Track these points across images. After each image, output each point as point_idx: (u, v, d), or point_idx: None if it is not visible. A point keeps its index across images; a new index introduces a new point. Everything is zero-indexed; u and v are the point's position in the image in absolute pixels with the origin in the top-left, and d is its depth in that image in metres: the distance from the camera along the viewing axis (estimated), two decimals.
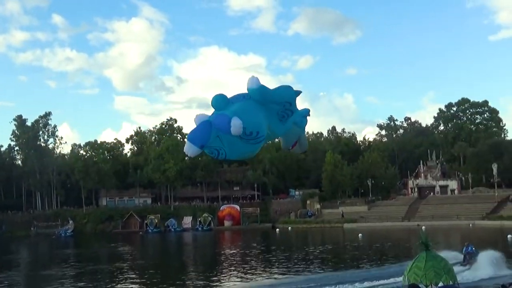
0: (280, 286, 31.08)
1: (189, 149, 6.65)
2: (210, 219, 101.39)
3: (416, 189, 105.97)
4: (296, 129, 7.96)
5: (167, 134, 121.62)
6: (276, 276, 35.86)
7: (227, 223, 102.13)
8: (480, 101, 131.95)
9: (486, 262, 34.47)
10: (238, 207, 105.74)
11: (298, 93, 7.98)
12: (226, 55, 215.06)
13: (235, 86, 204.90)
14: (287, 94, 7.76)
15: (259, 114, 7.04)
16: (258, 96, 7.25)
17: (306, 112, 8.38)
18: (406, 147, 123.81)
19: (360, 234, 67.42)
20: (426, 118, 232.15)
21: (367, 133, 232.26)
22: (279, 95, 7.57)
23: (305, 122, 8.27)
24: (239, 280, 34.52)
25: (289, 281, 32.39)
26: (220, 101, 6.99)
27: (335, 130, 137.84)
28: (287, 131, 7.83)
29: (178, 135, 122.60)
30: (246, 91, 7.33)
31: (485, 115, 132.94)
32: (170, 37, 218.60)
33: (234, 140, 6.71)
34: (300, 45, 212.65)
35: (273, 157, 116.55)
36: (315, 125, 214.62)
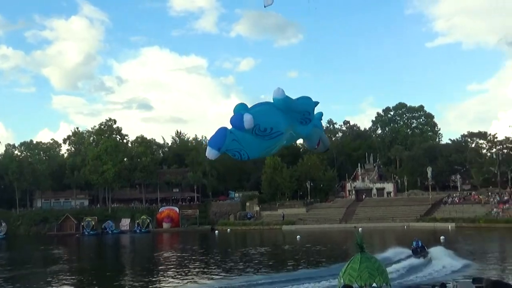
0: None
1: (209, 152, 7.36)
2: (148, 221, 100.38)
3: (353, 192, 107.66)
4: (317, 130, 8.69)
5: (106, 135, 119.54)
6: (213, 277, 35.78)
7: (165, 225, 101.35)
8: (417, 106, 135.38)
9: (441, 253, 37.13)
10: (177, 209, 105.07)
11: (316, 103, 8.63)
12: (167, 56, 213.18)
13: (176, 87, 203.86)
14: (308, 105, 8.46)
15: (275, 114, 7.62)
16: (282, 105, 7.78)
17: (320, 115, 9.22)
18: (344, 150, 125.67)
19: (298, 236, 68.07)
20: (364, 122, 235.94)
21: None
22: (301, 105, 8.22)
23: (321, 124, 9.09)
24: (176, 282, 34.29)
25: (226, 283, 32.35)
26: (240, 108, 7.48)
27: None
28: (310, 133, 8.55)
29: (117, 136, 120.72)
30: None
31: (421, 120, 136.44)
32: (111, 36, 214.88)
33: (250, 139, 7.32)
34: (242, 47, 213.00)
35: (213, 159, 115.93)
36: None
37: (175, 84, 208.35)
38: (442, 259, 37.88)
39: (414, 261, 37.83)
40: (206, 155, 7.42)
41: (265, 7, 10.12)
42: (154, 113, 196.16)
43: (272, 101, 7.91)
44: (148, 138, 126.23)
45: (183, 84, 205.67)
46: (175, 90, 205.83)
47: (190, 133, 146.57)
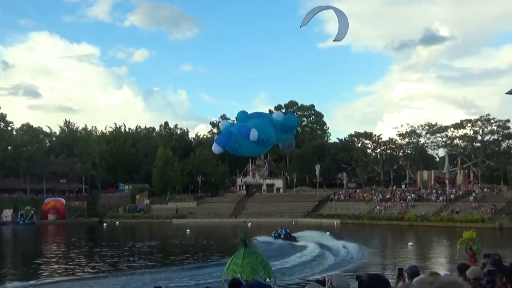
0: (98, 280, 30.59)
1: (215, 148, 9.60)
2: (32, 212, 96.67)
3: (244, 187, 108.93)
4: (291, 136, 10.89)
5: None
6: (97, 270, 35.17)
7: (51, 217, 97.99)
8: (308, 104, 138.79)
9: (312, 234, 41.62)
10: (63, 200, 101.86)
11: (299, 120, 10.99)
12: (57, 42, 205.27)
13: (66, 75, 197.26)
14: (295, 121, 11.40)
15: (270, 127, 9.82)
16: (279, 123, 10.05)
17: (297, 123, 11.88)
18: None
19: (188, 230, 68.17)
20: None
21: (200, 130, 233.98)
22: (291, 122, 10.75)
23: (294, 132, 11.36)
24: (55, 275, 33.53)
25: (103, 276, 32.09)
26: (243, 117, 9.83)
27: (168, 125, 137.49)
28: (287, 139, 10.86)
29: (1, 122, 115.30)
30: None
31: (311, 118, 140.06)
32: None
33: (249, 143, 9.43)
34: (136, 37, 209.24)
35: (103, 151, 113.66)
36: (147, 120, 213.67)
37: (65, 72, 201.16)
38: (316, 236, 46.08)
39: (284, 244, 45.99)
40: (212, 149, 9.77)
41: (300, 27, 12.30)
42: (42, 101, 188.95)
43: (266, 114, 10.79)
44: (34, 126, 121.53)
45: (73, 72, 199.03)
46: (65, 78, 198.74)
47: (79, 123, 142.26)
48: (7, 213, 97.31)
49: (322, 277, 7.23)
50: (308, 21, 11.90)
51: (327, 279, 5.62)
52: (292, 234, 52.61)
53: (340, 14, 11.46)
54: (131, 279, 31.36)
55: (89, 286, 29.26)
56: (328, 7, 11.60)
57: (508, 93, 12.54)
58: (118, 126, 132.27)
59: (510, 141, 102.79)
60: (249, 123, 9.56)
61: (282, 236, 52.59)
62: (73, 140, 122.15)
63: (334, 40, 11.55)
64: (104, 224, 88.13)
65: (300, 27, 11.94)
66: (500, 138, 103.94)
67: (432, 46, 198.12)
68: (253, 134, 9.21)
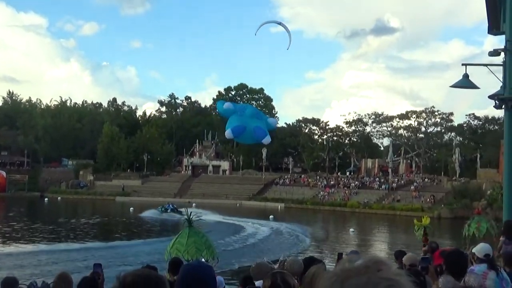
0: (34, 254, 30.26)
1: (229, 134, 11.52)
2: None
3: (190, 167, 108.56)
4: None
5: None
6: (35, 244, 34.75)
7: None
8: (257, 88, 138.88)
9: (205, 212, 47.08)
10: (4, 173, 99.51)
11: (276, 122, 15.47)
12: (2, 10, 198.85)
13: (11, 45, 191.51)
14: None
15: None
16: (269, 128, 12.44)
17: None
18: (184, 126, 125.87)
19: (131, 208, 67.73)
20: (206, 99, 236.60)
21: (148, 108, 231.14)
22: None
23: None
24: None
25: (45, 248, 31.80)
26: (227, 110, 11.75)
27: (116, 102, 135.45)
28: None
29: None
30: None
31: (260, 102, 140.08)
32: None
33: (253, 140, 11.42)
34: (86, 10, 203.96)
35: (47, 124, 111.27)
36: (94, 95, 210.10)
37: (9, 42, 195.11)
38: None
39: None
40: (226, 134, 11.64)
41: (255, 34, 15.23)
42: None
43: (260, 114, 13.40)
44: None
45: (19, 42, 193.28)
46: (10, 48, 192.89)
47: (24, 95, 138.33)
48: None
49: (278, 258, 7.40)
50: (258, 29, 14.45)
51: (281, 260, 5.72)
52: (179, 209, 56.70)
53: (286, 29, 13.91)
54: (71, 255, 31.12)
55: (21, 260, 28.88)
56: (279, 23, 14.22)
57: (453, 86, 12.86)
58: (64, 100, 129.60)
59: (452, 133, 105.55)
60: (254, 123, 11.54)
61: (169, 211, 60.65)
62: (16, 112, 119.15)
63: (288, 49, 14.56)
64: (46, 199, 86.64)
65: (255, 34, 14.90)
66: (443, 130, 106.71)
67: (382, 37, 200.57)
68: (267, 139, 11.53)
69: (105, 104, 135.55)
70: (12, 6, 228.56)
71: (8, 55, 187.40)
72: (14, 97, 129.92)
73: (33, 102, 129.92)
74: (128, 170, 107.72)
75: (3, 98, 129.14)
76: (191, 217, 9.67)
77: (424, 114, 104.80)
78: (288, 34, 13.80)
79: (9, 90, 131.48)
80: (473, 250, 7.45)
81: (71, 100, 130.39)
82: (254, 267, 6.46)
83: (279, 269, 5.28)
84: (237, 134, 11.28)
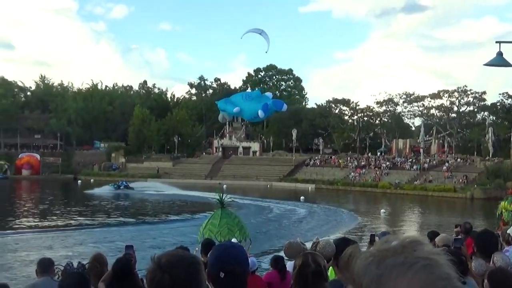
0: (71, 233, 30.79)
1: (261, 114, 12.81)
2: (6, 167, 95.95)
3: (220, 149, 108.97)
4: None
5: None
6: (71, 222, 35.38)
7: (25, 172, 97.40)
8: (286, 69, 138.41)
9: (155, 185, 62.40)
10: (38, 156, 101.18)
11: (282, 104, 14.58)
12: None
13: (42, 29, 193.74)
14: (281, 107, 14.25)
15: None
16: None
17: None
18: (214, 107, 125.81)
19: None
20: (235, 80, 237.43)
21: (177, 90, 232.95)
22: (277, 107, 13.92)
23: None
24: (31, 228, 33.62)
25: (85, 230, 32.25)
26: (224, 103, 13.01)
27: (146, 84, 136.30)
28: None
29: None
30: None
31: (290, 83, 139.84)
32: None
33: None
34: None
35: (79, 107, 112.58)
36: (124, 78, 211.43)
37: (41, 25, 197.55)
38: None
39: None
40: (259, 115, 12.57)
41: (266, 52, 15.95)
42: (16, 54, 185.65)
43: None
44: (9, 80, 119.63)
45: (49, 26, 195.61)
46: (41, 32, 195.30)
47: (55, 78, 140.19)
48: None
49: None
50: (244, 34, 15.77)
51: (314, 242, 5.73)
52: (130, 186, 69.03)
53: (266, 36, 15.18)
54: (102, 232, 31.75)
55: (62, 239, 29.49)
56: (260, 33, 15.31)
57: (486, 64, 12.62)
58: (94, 83, 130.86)
59: (485, 112, 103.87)
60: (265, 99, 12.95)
61: (122, 187, 67.93)
62: (48, 96, 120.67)
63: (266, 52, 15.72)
64: (79, 181, 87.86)
65: (241, 38, 16.25)
66: (475, 109, 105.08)
67: (413, 15, 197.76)
68: (285, 106, 13.58)
69: (135, 87, 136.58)
70: None
71: (39, 38, 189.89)
72: (46, 81, 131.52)
73: (64, 85, 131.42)
74: (160, 152, 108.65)
75: (36, 82, 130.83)
76: (223, 199, 9.72)
77: (456, 93, 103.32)
78: (267, 41, 15.08)
79: (41, 74, 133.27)
80: (508, 231, 7.37)
81: (102, 83, 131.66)
82: (287, 246, 6.49)
83: (312, 250, 5.29)
84: (264, 112, 12.44)
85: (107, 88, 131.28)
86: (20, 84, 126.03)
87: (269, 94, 13.29)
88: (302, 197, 58.63)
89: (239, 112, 12.46)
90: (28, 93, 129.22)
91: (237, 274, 2.88)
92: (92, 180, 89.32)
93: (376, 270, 1.19)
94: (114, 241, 27.95)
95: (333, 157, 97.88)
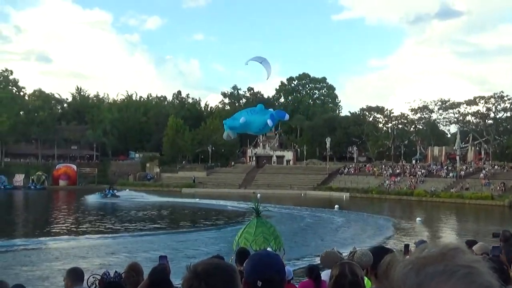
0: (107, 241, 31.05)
1: (270, 124, 13.22)
2: (44, 177, 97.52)
3: (254, 158, 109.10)
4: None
5: (1, 86, 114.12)
6: (106, 235, 35.63)
7: (62, 183, 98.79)
8: (319, 77, 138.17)
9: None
10: (74, 167, 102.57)
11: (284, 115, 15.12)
12: (69, 7, 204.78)
13: (78, 41, 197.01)
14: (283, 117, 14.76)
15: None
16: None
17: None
18: None
19: (197, 199, 68.85)
20: (268, 89, 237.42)
21: (211, 100, 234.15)
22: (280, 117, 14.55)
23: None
24: (68, 238, 34.08)
25: (120, 240, 32.52)
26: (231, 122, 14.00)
27: (180, 94, 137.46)
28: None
29: (14, 88, 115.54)
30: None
31: (323, 91, 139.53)
32: None
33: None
34: (149, 4, 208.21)
35: (114, 118, 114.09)
36: (158, 89, 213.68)
37: (77, 38, 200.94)
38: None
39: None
40: (268, 124, 13.22)
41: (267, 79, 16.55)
42: (53, 67, 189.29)
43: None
44: (46, 92, 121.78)
45: (85, 38, 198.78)
46: (77, 44, 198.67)
47: (91, 90, 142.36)
48: (19, 178, 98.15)
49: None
50: (247, 61, 15.84)
51: (352, 251, 5.67)
52: (117, 194, 74.20)
53: (267, 65, 15.53)
54: (136, 240, 32.08)
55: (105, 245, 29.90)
56: (261, 62, 15.45)
57: None
58: (129, 94, 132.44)
59: None
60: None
61: (109, 196, 71.64)
62: (84, 107, 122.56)
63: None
64: (115, 191, 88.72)
65: (246, 64, 16.08)
66: None
67: (447, 21, 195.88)
68: (287, 116, 14.27)
69: (169, 97, 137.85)
70: (78, 3, 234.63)
71: (75, 51, 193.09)
72: (82, 93, 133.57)
73: (100, 97, 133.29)
74: (193, 162, 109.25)
75: (72, 94, 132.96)
76: (258, 208, 9.72)
77: (492, 100, 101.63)
78: (267, 71, 15.59)
79: (77, 86, 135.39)
80: None
81: (136, 94, 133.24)
82: (323, 256, 6.45)
83: (349, 259, 5.24)
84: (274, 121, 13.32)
85: (142, 99, 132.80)
86: (57, 96, 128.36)
87: (270, 109, 14.04)
88: (336, 206, 58.27)
89: (245, 124, 13.15)
90: (65, 105, 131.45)
91: (275, 283, 2.87)
92: (127, 190, 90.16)
93: (416, 278, 1.16)
94: (147, 250, 28.14)
95: (367, 165, 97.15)
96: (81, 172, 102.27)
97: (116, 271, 6.40)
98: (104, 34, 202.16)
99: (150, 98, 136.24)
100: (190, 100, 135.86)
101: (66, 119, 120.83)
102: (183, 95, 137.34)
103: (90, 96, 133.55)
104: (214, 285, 2.16)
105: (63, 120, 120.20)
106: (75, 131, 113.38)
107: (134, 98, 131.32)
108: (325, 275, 6.67)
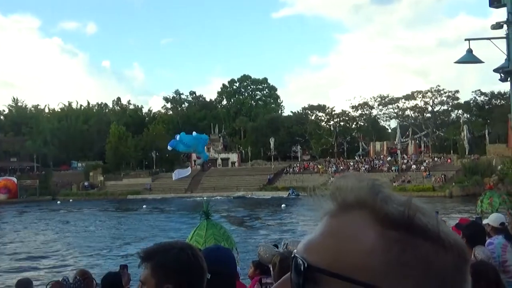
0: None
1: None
2: None
3: (199, 162, 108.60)
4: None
5: None
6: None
7: (2, 196, 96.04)
8: (261, 78, 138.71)
9: None
10: (15, 179, 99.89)
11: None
12: None
13: (6, 49, 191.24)
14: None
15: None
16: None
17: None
18: (190, 120, 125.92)
19: (144, 206, 68.28)
20: (210, 93, 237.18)
21: (153, 105, 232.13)
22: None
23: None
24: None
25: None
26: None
27: (120, 101, 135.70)
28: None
29: None
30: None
31: (265, 92, 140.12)
32: None
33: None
34: (83, 9, 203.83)
35: (55, 128, 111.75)
36: (99, 97, 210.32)
37: (3, 46, 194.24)
38: None
39: None
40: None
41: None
42: None
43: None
44: None
45: (14, 45, 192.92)
46: (4, 52, 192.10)
47: (27, 100, 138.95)
48: None
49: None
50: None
51: (283, 243, 5.81)
52: None
53: None
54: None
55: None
56: None
57: (457, 62, 12.88)
58: (69, 102, 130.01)
59: (459, 111, 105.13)
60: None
61: None
62: (22, 118, 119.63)
63: None
64: (58, 202, 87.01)
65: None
66: (450, 108, 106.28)
67: (386, 8, 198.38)
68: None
69: (110, 104, 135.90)
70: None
71: (3, 59, 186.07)
72: (19, 103, 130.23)
73: (39, 107, 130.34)
74: (138, 168, 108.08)
75: (9, 106, 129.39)
76: (208, 210, 9.77)
77: (430, 94, 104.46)
78: None
79: (13, 97, 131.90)
80: (487, 221, 7.49)
81: (77, 103, 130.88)
82: (261, 251, 6.39)
83: (283, 250, 5.41)
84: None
85: (82, 107, 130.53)
86: None
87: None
88: (283, 205, 58.78)
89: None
90: (1, 117, 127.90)
91: (224, 275, 2.85)
92: (71, 200, 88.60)
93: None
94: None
95: (311, 163, 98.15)
96: (22, 184, 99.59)
97: (76, 277, 6.36)
98: (36, 40, 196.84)
99: (91, 106, 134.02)
100: (131, 107, 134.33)
101: (3, 131, 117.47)
102: (123, 101, 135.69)
103: (27, 107, 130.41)
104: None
105: (0, 132, 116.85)
106: (14, 142, 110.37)
107: (74, 107, 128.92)
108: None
